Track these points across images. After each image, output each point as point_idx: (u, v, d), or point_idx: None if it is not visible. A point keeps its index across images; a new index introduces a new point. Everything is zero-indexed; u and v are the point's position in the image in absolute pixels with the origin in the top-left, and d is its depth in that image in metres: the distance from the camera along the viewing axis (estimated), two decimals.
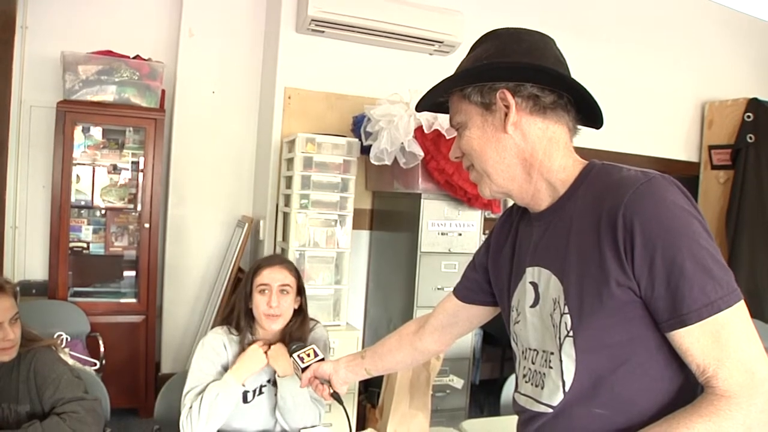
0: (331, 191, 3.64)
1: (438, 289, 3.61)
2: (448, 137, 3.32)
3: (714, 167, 5.17)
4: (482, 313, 1.50)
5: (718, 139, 5.13)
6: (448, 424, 2.36)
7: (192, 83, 4.33)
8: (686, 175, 5.06)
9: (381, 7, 3.92)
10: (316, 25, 3.90)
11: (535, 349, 1.23)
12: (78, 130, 3.88)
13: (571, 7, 4.70)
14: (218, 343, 2.13)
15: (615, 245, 1.03)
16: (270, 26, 4.34)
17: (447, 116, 1.30)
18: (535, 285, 1.21)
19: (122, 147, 4.06)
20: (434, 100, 1.29)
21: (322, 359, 1.79)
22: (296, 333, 2.16)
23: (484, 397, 4.37)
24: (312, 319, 2.29)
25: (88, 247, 4.01)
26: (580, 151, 1.21)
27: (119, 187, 4.08)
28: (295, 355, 1.79)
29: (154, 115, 3.88)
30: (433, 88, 1.25)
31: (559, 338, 1.14)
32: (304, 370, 1.76)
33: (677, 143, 5.28)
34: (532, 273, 1.22)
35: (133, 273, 4.07)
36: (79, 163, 3.92)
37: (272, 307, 2.09)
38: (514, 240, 1.32)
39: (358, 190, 3.84)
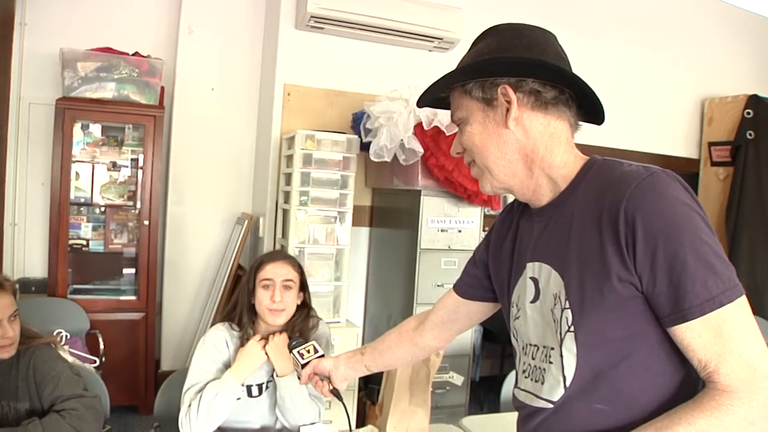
0: (330, 188, 3.64)
1: (438, 285, 3.60)
2: (447, 134, 3.32)
3: (714, 164, 5.17)
4: (482, 310, 1.49)
5: (718, 136, 5.13)
6: (448, 421, 2.35)
7: (191, 80, 4.32)
8: (686, 171, 5.06)
9: (381, 3, 3.91)
10: (316, 21, 3.89)
11: (535, 345, 1.22)
12: (77, 127, 3.87)
13: (570, 4, 4.69)
14: (219, 339, 2.13)
15: (616, 240, 1.03)
16: (269, 23, 4.33)
17: (446, 113, 1.29)
18: (535, 280, 1.21)
19: (121, 144, 4.05)
20: (436, 96, 1.29)
21: (322, 356, 1.79)
22: (300, 326, 2.15)
23: (484, 394, 4.37)
24: (314, 316, 2.29)
25: (87, 245, 4.01)
26: (581, 148, 1.21)
27: (119, 185, 4.08)
28: (294, 351, 1.79)
29: (154, 112, 3.87)
30: (434, 83, 1.24)
31: (560, 333, 1.13)
32: (303, 366, 1.76)
33: (677, 140, 5.28)
34: (532, 268, 1.22)
35: (132, 270, 4.06)
36: (78, 161, 3.91)
37: (276, 302, 2.08)
38: (515, 236, 1.32)
39: (357, 187, 3.84)
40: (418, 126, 3.38)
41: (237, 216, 4.46)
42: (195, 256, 4.42)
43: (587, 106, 1.21)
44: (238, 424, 2.10)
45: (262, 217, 4.13)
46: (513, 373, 1.38)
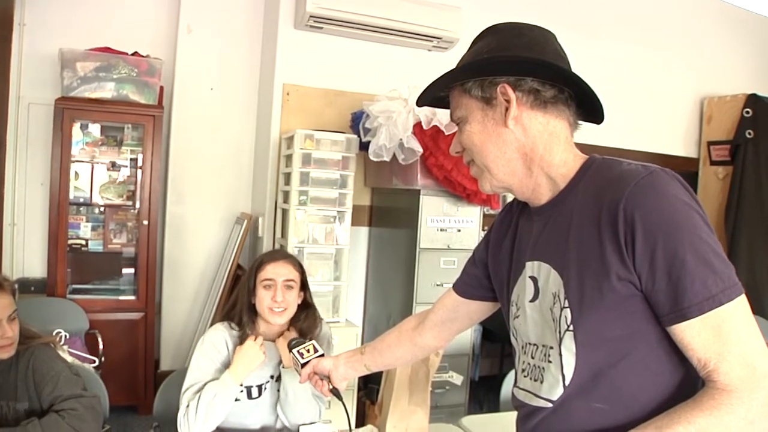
0: (329, 188, 3.64)
1: (437, 285, 3.60)
2: (446, 133, 3.32)
3: (713, 163, 5.17)
4: (482, 309, 1.49)
5: (717, 135, 5.13)
6: (447, 421, 2.35)
7: (190, 80, 4.32)
8: (685, 170, 5.05)
9: (380, 3, 3.91)
10: (315, 21, 3.89)
11: (534, 344, 1.22)
12: (76, 127, 3.87)
13: (570, 3, 4.69)
14: (219, 339, 2.13)
15: (616, 239, 1.03)
16: (268, 23, 4.33)
17: (446, 112, 1.30)
18: (534, 279, 1.21)
19: (121, 144, 4.05)
20: (435, 95, 1.29)
21: (322, 355, 1.79)
22: (304, 326, 2.16)
23: (484, 394, 4.37)
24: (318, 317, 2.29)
25: (86, 245, 4.01)
26: (580, 147, 1.21)
27: (118, 184, 4.08)
28: (294, 350, 1.79)
29: (153, 111, 3.87)
30: (433, 82, 1.24)
31: (559, 332, 1.13)
32: (303, 365, 1.76)
33: (676, 139, 5.28)
34: (531, 267, 1.22)
35: (132, 270, 4.06)
36: (77, 161, 3.91)
37: (277, 302, 2.08)
38: (514, 235, 1.32)
39: (356, 187, 3.84)
40: (417, 125, 3.38)
41: (236, 216, 4.46)
42: (194, 255, 4.42)
43: (586, 105, 1.21)
44: (239, 425, 2.10)
45: (261, 216, 4.13)
46: (512, 373, 1.38)
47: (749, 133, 4.86)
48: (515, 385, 1.31)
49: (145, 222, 3.89)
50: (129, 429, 3.78)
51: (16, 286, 2.10)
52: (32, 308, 3.48)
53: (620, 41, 4.90)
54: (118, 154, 4.06)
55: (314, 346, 1.80)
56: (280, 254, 2.24)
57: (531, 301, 1.22)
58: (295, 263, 2.20)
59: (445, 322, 1.55)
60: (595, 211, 1.07)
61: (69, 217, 3.83)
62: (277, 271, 2.12)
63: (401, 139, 3.38)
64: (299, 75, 4.08)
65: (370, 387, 3.69)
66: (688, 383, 1.07)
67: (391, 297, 3.95)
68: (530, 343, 1.24)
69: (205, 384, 2.00)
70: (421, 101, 1.33)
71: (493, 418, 2.40)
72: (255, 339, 2.07)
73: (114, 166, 4.07)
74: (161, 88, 3.99)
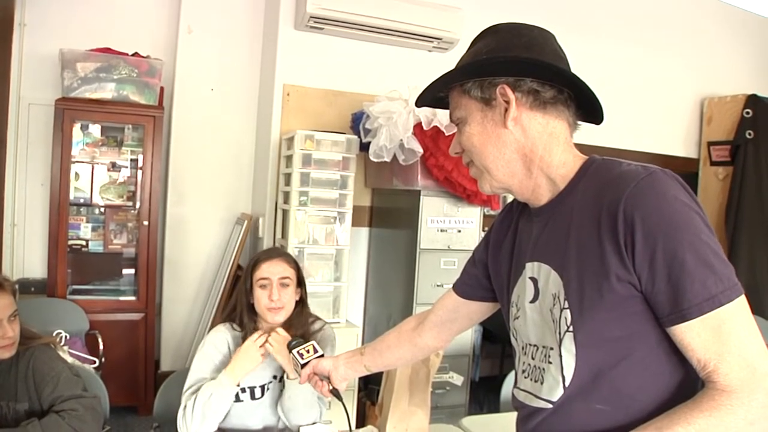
0: (330, 188, 3.64)
1: (437, 285, 3.61)
2: (447, 134, 3.32)
3: (713, 163, 5.17)
4: (482, 309, 1.49)
5: (717, 136, 5.13)
6: (447, 421, 2.35)
7: (191, 80, 4.32)
8: (685, 171, 5.05)
9: (380, 3, 3.91)
10: (315, 22, 3.89)
11: (534, 345, 1.22)
12: (77, 128, 3.87)
13: (570, 3, 4.69)
14: (220, 340, 2.13)
15: (615, 240, 1.03)
16: (269, 23, 4.33)
17: (446, 113, 1.29)
18: (534, 280, 1.21)
19: (121, 144, 4.05)
20: (434, 95, 1.29)
21: (321, 356, 1.78)
22: (296, 323, 2.15)
23: (484, 394, 4.37)
24: (319, 319, 2.28)
25: (87, 245, 4.01)
26: (579, 147, 1.21)
27: (118, 185, 4.08)
28: (294, 351, 1.79)
29: (153, 112, 3.87)
30: (433, 82, 1.24)
31: (559, 333, 1.13)
32: (303, 366, 1.76)
33: (676, 139, 5.28)
34: (531, 268, 1.22)
35: (132, 271, 4.06)
36: (77, 161, 3.91)
37: (274, 301, 2.08)
38: (514, 235, 1.32)
39: (357, 187, 3.84)
40: (418, 126, 3.38)
41: (236, 216, 4.46)
42: (195, 256, 4.42)
43: (586, 106, 1.21)
44: (241, 426, 2.10)
45: (261, 217, 4.13)
46: (513, 373, 1.38)
47: (749, 134, 4.86)
48: (515, 385, 1.31)
49: (146, 222, 3.89)
50: (129, 429, 3.78)
51: (17, 286, 2.10)
52: (32, 309, 3.48)
53: (620, 41, 4.90)
54: (119, 154, 4.06)
55: (314, 347, 1.80)
56: (274, 252, 2.24)
57: (531, 302, 1.22)
58: (290, 260, 2.20)
59: (444, 323, 1.55)
60: (594, 212, 1.07)
61: (69, 218, 3.83)
62: (272, 269, 2.12)
63: (401, 140, 3.38)
64: (299, 75, 4.08)
65: (370, 388, 3.69)
66: (688, 384, 1.07)
67: (392, 298, 3.95)
68: (530, 344, 1.24)
69: (202, 384, 2.01)
70: (421, 102, 1.33)
71: (494, 418, 2.40)
72: (258, 337, 2.05)
73: (114, 166, 4.07)
74: (161, 88, 3.99)
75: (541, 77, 1.15)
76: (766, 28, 5.48)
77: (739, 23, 5.35)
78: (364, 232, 4.30)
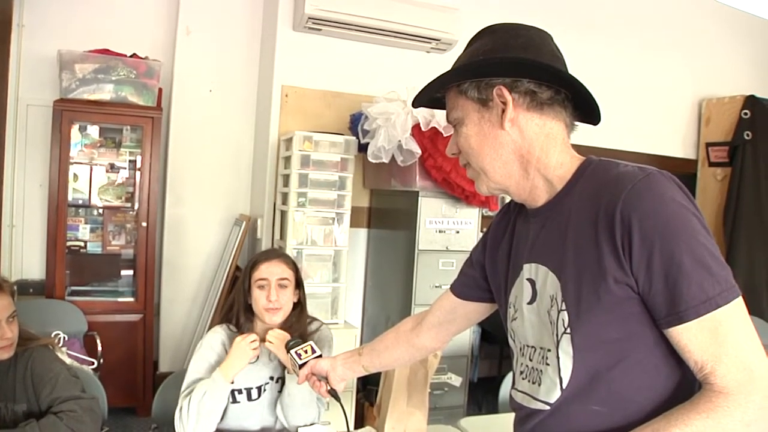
0: (328, 189, 3.64)
1: (436, 286, 3.61)
2: (445, 135, 3.32)
3: (711, 164, 5.17)
4: (480, 310, 1.49)
5: (716, 136, 5.14)
6: (446, 422, 2.35)
7: (189, 81, 4.32)
8: (683, 172, 5.06)
9: (378, 4, 3.91)
10: (313, 23, 3.89)
11: (532, 346, 1.22)
12: (75, 129, 3.87)
13: (568, 4, 4.70)
14: (216, 341, 2.13)
15: (612, 242, 1.03)
16: (267, 24, 4.33)
17: (444, 114, 1.29)
18: (532, 282, 1.21)
19: (119, 146, 4.05)
20: (431, 96, 1.29)
21: (320, 356, 1.78)
22: (295, 325, 2.15)
23: (482, 395, 4.37)
24: (316, 320, 2.29)
25: (85, 246, 4.01)
26: (577, 148, 1.21)
27: (116, 186, 4.08)
28: (292, 351, 1.79)
29: (151, 113, 3.87)
30: (429, 83, 1.24)
31: (557, 335, 1.13)
32: (301, 366, 1.76)
33: (674, 140, 5.28)
34: (529, 270, 1.22)
35: (130, 272, 4.07)
36: (76, 162, 3.91)
37: (272, 302, 2.08)
38: (512, 236, 1.32)
39: (355, 188, 3.83)
40: (416, 127, 3.39)
41: (235, 217, 4.46)
42: (193, 257, 4.42)
43: (583, 107, 1.21)
44: (239, 427, 2.10)
45: (260, 218, 4.13)
46: (511, 374, 1.38)
47: (747, 135, 4.86)
48: (513, 387, 1.31)
49: (144, 224, 3.89)
50: (128, 430, 3.78)
51: (15, 287, 2.10)
52: (31, 310, 3.48)
53: (618, 42, 4.90)
54: (117, 155, 4.06)
55: (312, 347, 1.80)
56: (273, 253, 2.24)
57: (529, 303, 1.22)
58: (289, 262, 2.20)
59: (442, 324, 1.55)
60: (592, 214, 1.07)
61: (68, 219, 3.84)
62: (271, 270, 2.12)
63: (400, 141, 3.39)
64: (298, 77, 4.08)
65: (368, 388, 3.69)
66: (686, 385, 1.07)
67: (390, 298, 3.95)
68: (528, 346, 1.24)
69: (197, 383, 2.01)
70: (417, 102, 1.33)
71: (492, 419, 2.40)
72: (247, 335, 2.05)
73: (113, 167, 4.07)
74: (160, 89, 3.99)
75: (538, 78, 1.15)
76: (764, 30, 5.49)
77: (737, 24, 5.36)
78: (362, 233, 4.30)
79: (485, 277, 1.42)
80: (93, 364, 3.46)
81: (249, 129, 4.51)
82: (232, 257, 4.11)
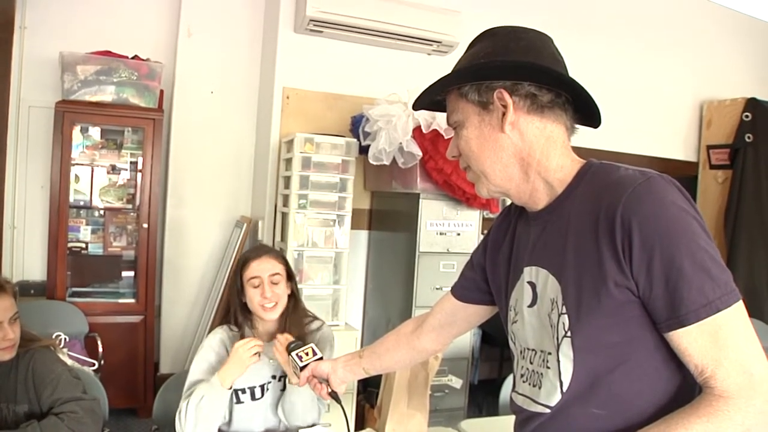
0: (329, 191, 3.64)
1: (436, 288, 3.60)
2: (446, 137, 3.32)
3: (712, 167, 5.17)
4: (480, 313, 1.49)
5: (717, 139, 5.13)
6: (446, 424, 2.35)
7: (190, 83, 4.32)
8: (684, 174, 5.06)
9: (379, 7, 3.92)
10: (315, 25, 3.89)
11: (533, 349, 1.22)
12: (76, 130, 3.88)
13: (569, 6, 4.70)
14: (217, 341, 2.13)
15: (613, 245, 1.03)
16: (268, 26, 4.33)
17: (445, 115, 1.29)
18: (533, 285, 1.21)
19: (121, 147, 4.06)
20: (432, 98, 1.29)
21: (321, 358, 1.78)
22: (292, 317, 2.16)
23: (483, 397, 4.37)
24: (317, 319, 2.29)
25: (86, 248, 4.01)
26: (578, 151, 1.21)
27: (118, 188, 4.08)
28: (293, 353, 1.79)
29: (153, 115, 3.87)
30: (430, 86, 1.24)
31: (557, 338, 1.13)
32: (302, 368, 1.76)
33: (675, 143, 5.28)
34: (529, 273, 1.22)
35: (131, 273, 4.07)
36: (77, 164, 3.92)
37: (266, 298, 2.08)
38: (512, 239, 1.32)
39: (356, 190, 3.83)
40: (417, 129, 3.39)
41: (236, 219, 4.46)
42: (194, 259, 4.42)
43: (584, 109, 1.21)
44: (246, 429, 2.11)
45: (261, 220, 4.13)
46: (511, 377, 1.38)
47: (749, 137, 4.86)
48: (514, 389, 1.31)
49: (145, 225, 3.89)
50: None
51: (17, 288, 2.10)
52: (32, 311, 3.48)
53: (619, 44, 4.90)
54: (118, 157, 4.06)
55: (313, 349, 1.80)
56: (262, 250, 2.22)
57: (529, 306, 1.22)
58: (278, 256, 2.20)
59: (443, 326, 1.55)
60: (592, 217, 1.07)
61: (69, 220, 3.84)
62: (262, 267, 2.12)
63: (401, 143, 3.39)
64: (299, 78, 4.08)
65: (369, 390, 3.69)
66: (686, 389, 1.07)
67: (391, 300, 3.95)
68: (529, 349, 1.24)
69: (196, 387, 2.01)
70: (418, 105, 1.33)
71: (492, 421, 2.40)
72: (248, 341, 2.02)
73: (114, 169, 4.08)
74: (161, 91, 4.00)
75: (539, 81, 1.15)
76: (766, 32, 5.48)
77: (739, 27, 5.36)
78: (363, 235, 4.30)
79: (486, 279, 1.42)
80: (94, 365, 3.47)
81: (250, 131, 4.51)
82: (233, 259, 4.12)
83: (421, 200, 3.59)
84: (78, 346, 3.54)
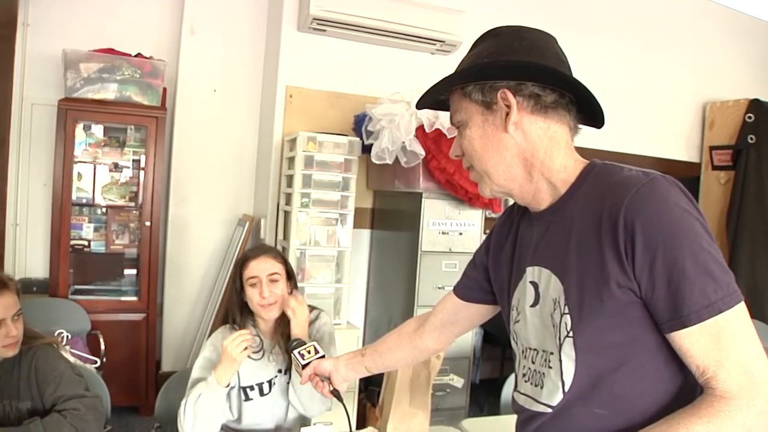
0: (332, 190, 3.65)
1: (438, 288, 3.61)
2: (449, 136, 3.32)
3: (715, 168, 5.17)
4: (482, 312, 1.50)
5: (719, 140, 5.13)
6: (448, 423, 2.36)
7: (193, 81, 4.33)
8: (687, 175, 5.06)
9: (383, 6, 3.92)
10: (318, 23, 3.90)
11: (535, 349, 1.23)
12: (79, 128, 3.88)
13: (572, 6, 4.70)
14: (218, 340, 2.13)
15: (616, 246, 1.03)
16: (272, 25, 4.34)
17: (448, 115, 1.29)
18: (535, 285, 1.21)
19: (123, 145, 4.06)
20: (435, 98, 1.29)
21: (323, 356, 1.79)
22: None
23: (485, 397, 4.37)
24: (314, 308, 2.29)
25: (89, 245, 4.02)
26: (581, 151, 1.21)
27: (120, 185, 4.09)
28: (295, 351, 1.79)
29: (156, 113, 3.88)
30: (434, 85, 1.24)
31: (559, 338, 1.13)
32: (304, 367, 1.76)
33: (678, 144, 5.28)
34: (532, 272, 1.22)
35: (134, 271, 4.07)
36: (80, 161, 3.92)
37: (265, 298, 2.09)
38: (515, 239, 1.32)
39: (359, 189, 3.83)
40: (420, 128, 3.39)
41: (238, 217, 4.46)
42: (196, 257, 4.43)
43: (587, 110, 1.21)
44: (256, 426, 2.13)
45: (263, 218, 4.14)
46: (513, 376, 1.38)
47: (751, 138, 4.86)
48: (515, 389, 1.31)
49: (148, 223, 3.89)
50: (130, 429, 3.79)
51: (20, 285, 2.11)
52: (34, 309, 3.48)
53: (622, 45, 4.90)
54: (121, 155, 4.07)
55: (315, 348, 1.81)
56: (260, 249, 2.23)
57: (531, 306, 1.22)
58: (277, 255, 2.21)
59: (445, 325, 1.55)
60: (595, 218, 1.07)
61: (71, 218, 3.84)
62: (260, 267, 2.12)
63: (404, 142, 3.39)
64: (302, 77, 4.09)
65: (371, 389, 3.70)
66: (688, 390, 1.07)
67: (393, 300, 3.95)
68: (531, 348, 1.24)
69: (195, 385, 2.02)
70: (421, 104, 1.33)
71: (494, 421, 2.40)
72: (235, 337, 1.98)
73: (116, 167, 4.08)
74: (164, 89, 4.00)
75: (543, 81, 1.15)
76: (766, 33, 5.48)
77: (741, 27, 5.35)
78: (365, 234, 4.30)
79: (488, 279, 1.42)
80: (96, 362, 3.47)
81: (253, 129, 4.52)
82: (235, 257, 4.12)
83: (423, 199, 3.59)
84: (80, 343, 3.55)
